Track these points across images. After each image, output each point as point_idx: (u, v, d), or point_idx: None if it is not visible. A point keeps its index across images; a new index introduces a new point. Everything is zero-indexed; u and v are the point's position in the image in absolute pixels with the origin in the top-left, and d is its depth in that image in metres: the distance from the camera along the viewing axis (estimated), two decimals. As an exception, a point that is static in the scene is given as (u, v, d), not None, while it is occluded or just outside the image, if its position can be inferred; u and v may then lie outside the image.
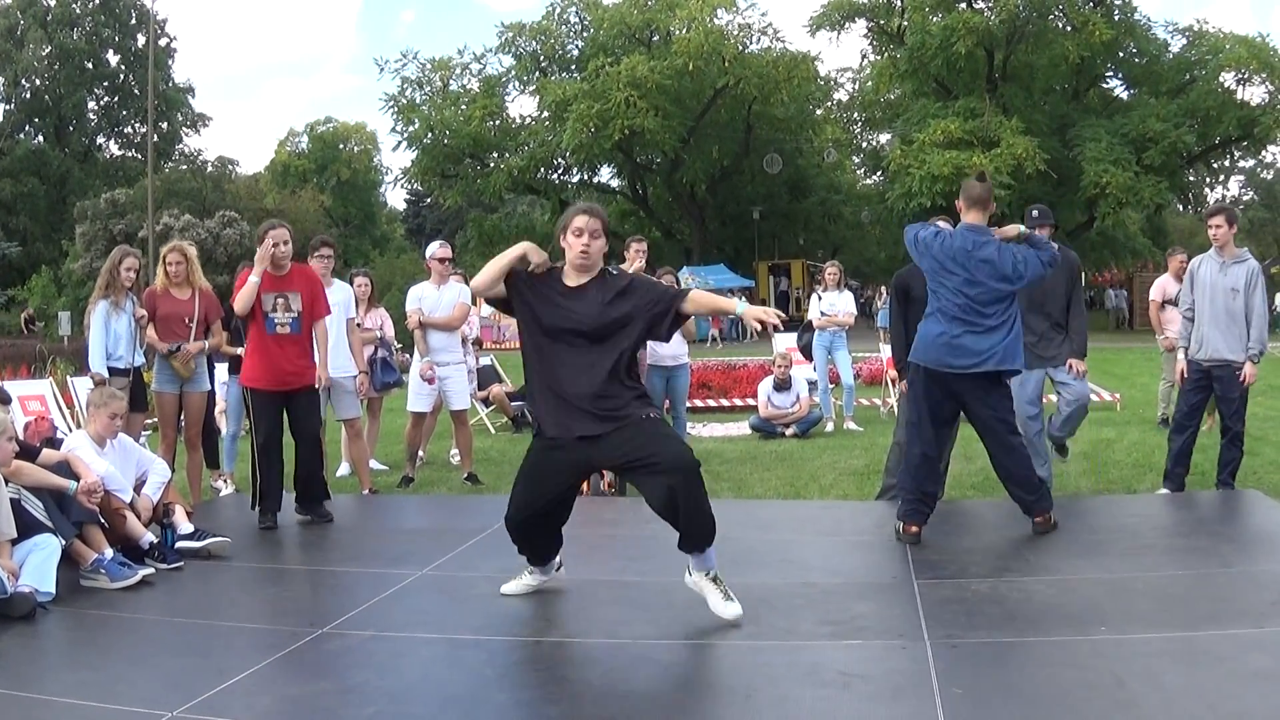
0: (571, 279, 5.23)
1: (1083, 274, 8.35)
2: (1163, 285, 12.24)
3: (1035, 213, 8.15)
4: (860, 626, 5.10)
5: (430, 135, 45.55)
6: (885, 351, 15.22)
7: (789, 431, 12.49)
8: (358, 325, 9.55)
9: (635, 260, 9.20)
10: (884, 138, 49.99)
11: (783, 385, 12.75)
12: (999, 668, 4.53)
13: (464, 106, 45.75)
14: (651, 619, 5.16)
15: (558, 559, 5.69)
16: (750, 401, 14.17)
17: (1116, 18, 40.01)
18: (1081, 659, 4.49)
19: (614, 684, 4.56)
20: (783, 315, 5.02)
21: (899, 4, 43.24)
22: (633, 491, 8.47)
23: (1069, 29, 39.82)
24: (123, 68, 59.75)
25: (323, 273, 9.00)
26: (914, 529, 6.73)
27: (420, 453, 10.42)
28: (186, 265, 8.75)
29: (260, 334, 7.73)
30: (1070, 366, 8.00)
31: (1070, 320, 8.06)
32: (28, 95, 56.87)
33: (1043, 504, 6.82)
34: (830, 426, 13.01)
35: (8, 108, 56.78)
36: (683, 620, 5.18)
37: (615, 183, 51.93)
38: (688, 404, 10.44)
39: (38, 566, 5.69)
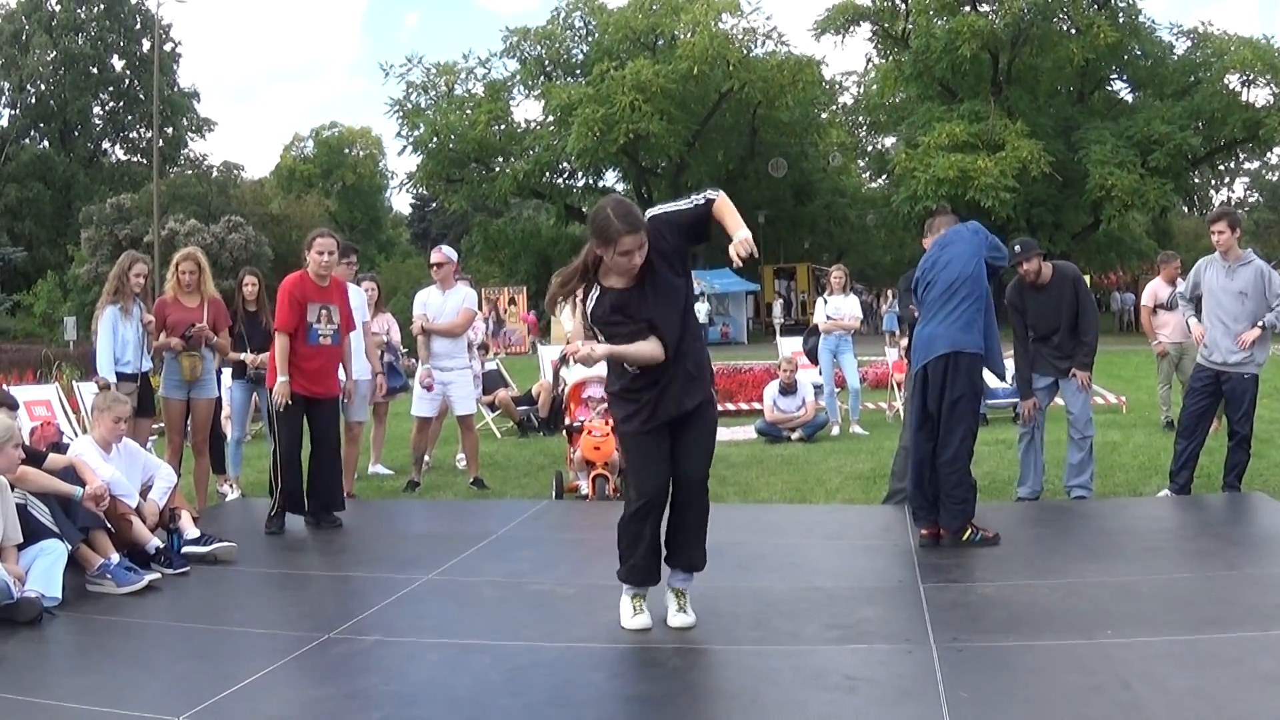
0: (621, 282, 4.97)
1: (1081, 283, 8.34)
2: (1154, 290, 12.24)
3: (1019, 247, 8.21)
4: (866, 630, 5.11)
5: (435, 140, 45.59)
6: (891, 355, 15.24)
7: (795, 435, 12.48)
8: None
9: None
10: (889, 141, 50.10)
11: (788, 389, 12.74)
12: (1005, 671, 4.54)
13: (469, 111, 45.79)
14: (657, 623, 5.15)
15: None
16: (756, 405, 14.15)
17: (1121, 20, 40.04)
18: (1087, 662, 4.49)
19: (620, 688, 4.58)
20: (754, 250, 4.94)
21: (904, 7, 43.23)
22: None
23: (1073, 31, 39.85)
24: (128, 73, 59.88)
25: (346, 278, 9.12)
26: (925, 532, 6.81)
27: (426, 458, 10.43)
28: (199, 273, 8.75)
29: (300, 344, 7.70)
30: (1074, 375, 8.12)
31: (1080, 330, 8.16)
32: (33, 100, 57.00)
33: (950, 520, 6.78)
34: (836, 430, 13.00)
35: (13, 113, 56.99)
36: (688, 624, 5.18)
37: (620, 187, 51.88)
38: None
39: (44, 571, 5.70)
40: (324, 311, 7.78)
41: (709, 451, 5.17)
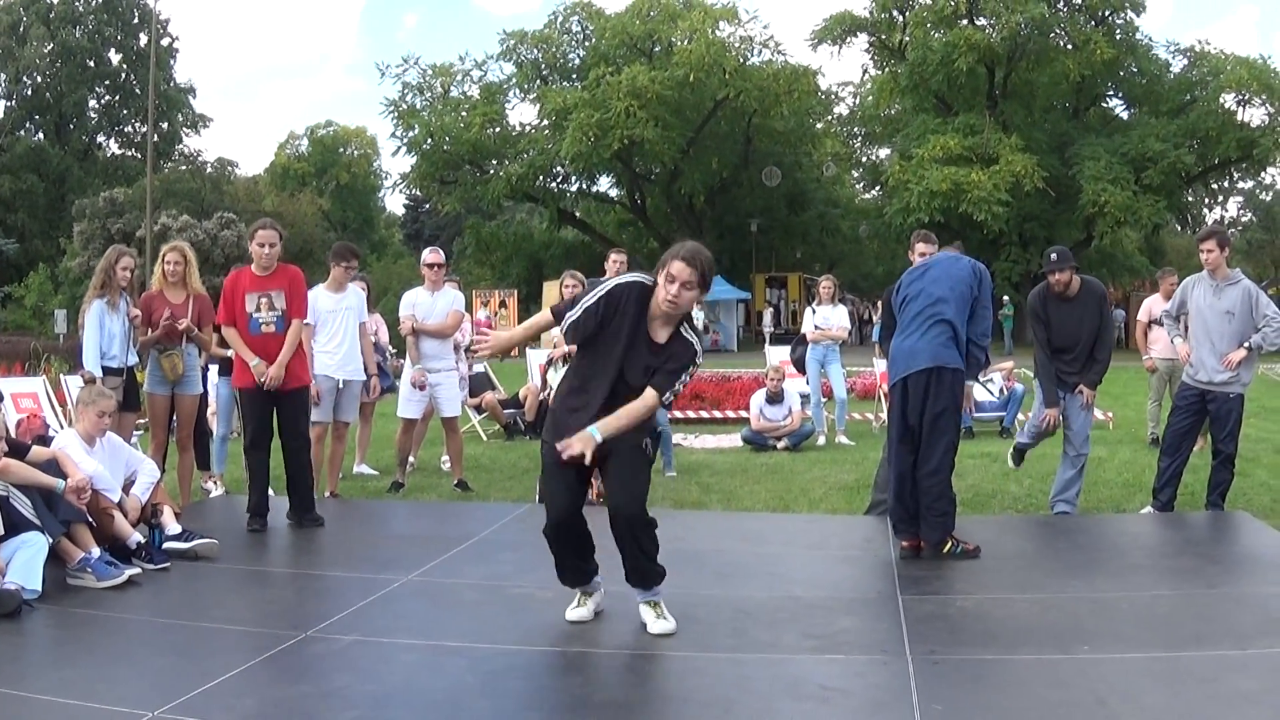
0: (657, 328, 5.04)
1: (1107, 302, 8.30)
2: (1149, 306, 12.27)
3: (1055, 255, 8.13)
4: (843, 641, 5.12)
5: (430, 141, 45.57)
6: (879, 366, 15.25)
7: (780, 444, 12.49)
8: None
9: (612, 270, 9.40)
10: (883, 152, 50.23)
11: (775, 398, 12.75)
12: (980, 685, 4.54)
13: (464, 113, 45.77)
14: (633, 629, 5.16)
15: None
16: (742, 414, 14.15)
17: (1118, 37, 40.22)
18: (1063, 678, 4.50)
19: (594, 693, 4.58)
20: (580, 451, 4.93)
21: (901, 19, 43.37)
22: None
23: (1070, 47, 40.00)
24: (124, 67, 59.72)
25: (344, 280, 9.24)
26: (906, 544, 6.81)
27: (411, 459, 10.42)
28: (185, 266, 8.72)
29: (245, 335, 7.77)
30: (1081, 391, 8.08)
31: (1095, 349, 8.12)
32: (29, 92, 56.84)
33: (930, 533, 6.77)
34: (822, 440, 13.01)
35: (9, 104, 56.78)
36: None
37: (614, 192, 52.05)
38: (680, 415, 10.44)
39: (24, 564, 5.70)
40: (263, 300, 7.80)
41: (636, 490, 5.12)
